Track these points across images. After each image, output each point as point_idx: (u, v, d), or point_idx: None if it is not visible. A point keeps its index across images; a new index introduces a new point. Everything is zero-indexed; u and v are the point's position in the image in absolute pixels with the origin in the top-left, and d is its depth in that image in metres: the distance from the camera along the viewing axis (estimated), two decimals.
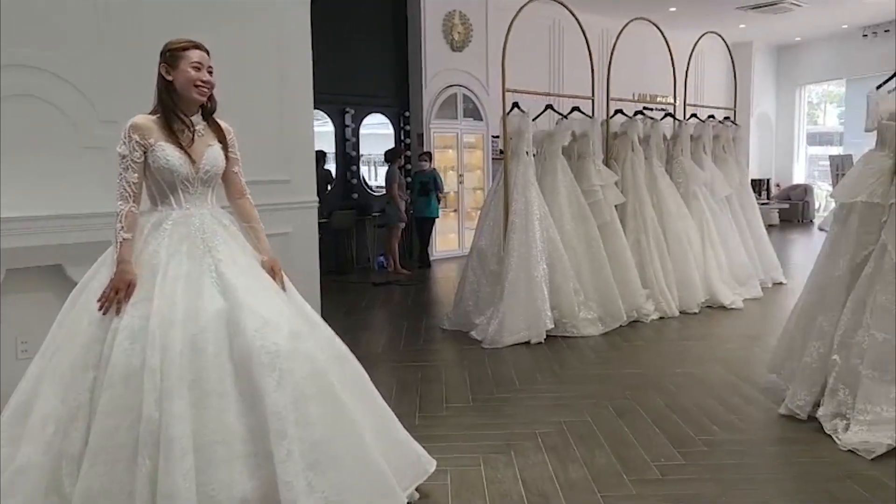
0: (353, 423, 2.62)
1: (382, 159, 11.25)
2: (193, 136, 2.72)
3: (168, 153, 2.64)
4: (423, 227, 10.08)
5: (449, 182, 10.94)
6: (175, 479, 2.28)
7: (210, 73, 2.73)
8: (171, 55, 2.68)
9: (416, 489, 2.98)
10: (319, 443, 2.49)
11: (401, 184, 9.63)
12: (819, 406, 3.86)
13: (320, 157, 9.59)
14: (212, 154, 2.76)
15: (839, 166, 13.52)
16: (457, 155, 11.04)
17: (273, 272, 2.84)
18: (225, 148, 2.83)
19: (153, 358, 2.38)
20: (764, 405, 4.20)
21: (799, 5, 12.55)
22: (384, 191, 10.78)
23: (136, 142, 2.61)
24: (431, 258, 10.38)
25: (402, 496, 2.71)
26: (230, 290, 2.58)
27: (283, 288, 2.85)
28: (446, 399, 4.41)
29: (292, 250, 4.89)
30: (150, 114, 2.71)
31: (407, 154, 10.55)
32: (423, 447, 3.33)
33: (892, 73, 4.02)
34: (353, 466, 2.56)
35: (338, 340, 2.94)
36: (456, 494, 3.11)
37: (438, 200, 9.98)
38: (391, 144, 10.88)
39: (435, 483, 3.12)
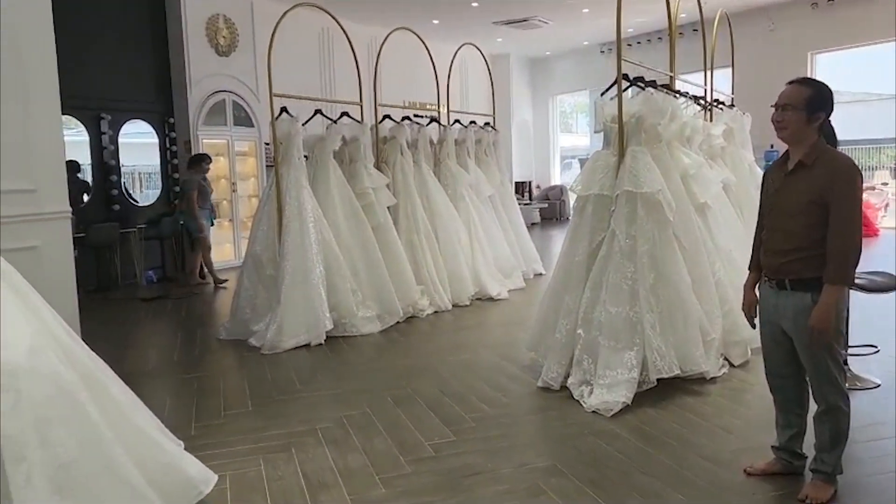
0: (106, 442, 2.50)
1: (148, 170, 10.65)
2: None
3: None
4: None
5: (222, 191, 10.59)
6: None
7: None
8: None
9: None
10: (67, 465, 2.35)
11: (203, 193, 9.03)
12: (569, 376, 4.35)
13: (73, 167, 8.84)
14: None
15: None
16: (229, 163, 10.72)
17: None
18: None
19: None
20: (525, 381, 4.64)
21: (546, 23, 13.83)
22: (152, 202, 10.25)
23: None
24: (204, 270, 9.97)
25: None
26: None
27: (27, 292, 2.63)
28: (224, 407, 4.32)
29: (43, 266, 4.48)
30: None
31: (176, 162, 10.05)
32: (201, 455, 3.28)
33: (613, 81, 4.62)
34: (107, 487, 2.45)
35: (92, 358, 2.80)
36: (236, 497, 3.09)
37: (211, 210, 9.65)
38: (157, 154, 10.31)
39: (214, 488, 3.07)
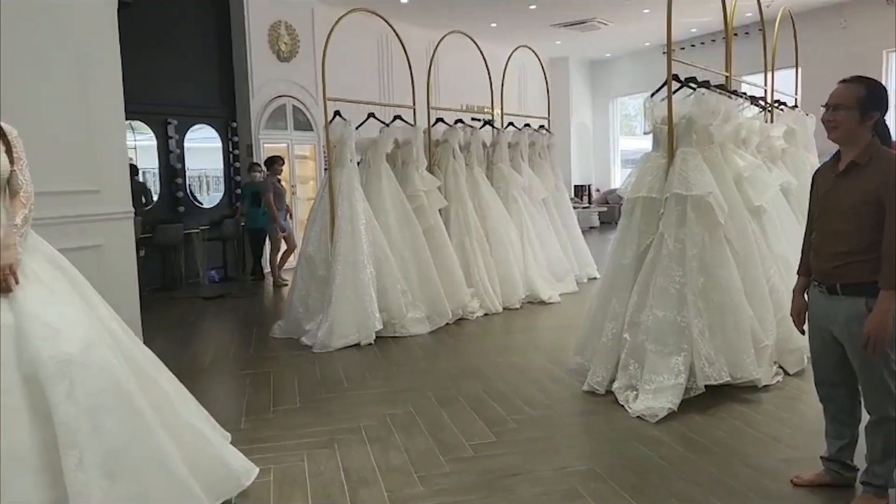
0: (152, 432, 2.60)
1: (212, 174, 10.97)
2: None
3: None
4: (256, 238, 9.92)
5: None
6: None
7: None
8: None
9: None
10: (116, 452, 2.45)
11: (278, 194, 9.33)
12: (615, 381, 4.29)
13: (132, 171, 9.17)
14: None
15: None
16: (289, 166, 10.96)
17: None
18: (9, 151, 2.69)
19: None
20: (570, 385, 4.60)
21: (606, 24, 13.67)
22: (215, 204, 10.58)
23: None
24: (266, 270, 10.24)
25: (204, 501, 2.71)
26: (17, 301, 2.47)
27: (83, 287, 2.74)
28: (274, 402, 4.43)
29: (106, 263, 4.71)
30: None
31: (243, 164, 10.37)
32: (248, 448, 3.38)
33: (663, 82, 4.55)
34: (153, 474, 2.54)
35: (143, 352, 2.91)
36: (278, 490, 3.18)
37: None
38: (220, 157, 10.64)
39: (258, 480, 3.16)
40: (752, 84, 7.00)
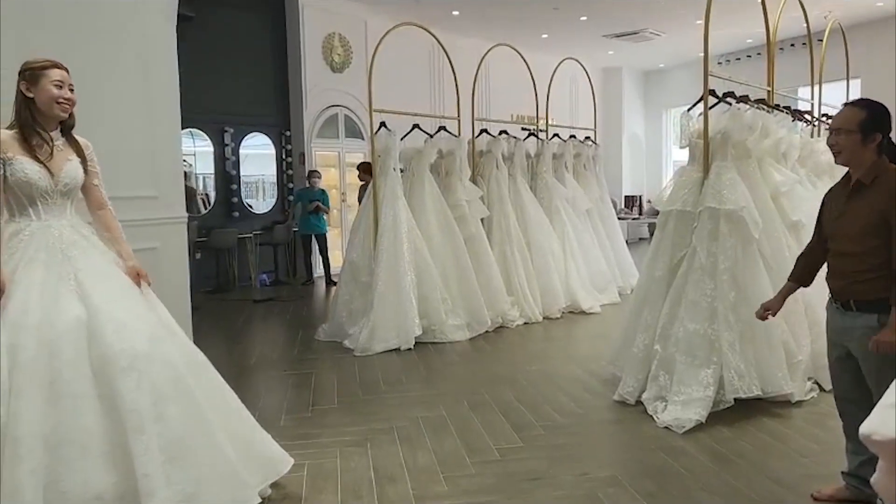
0: (208, 422, 2.82)
1: (265, 180, 11.32)
2: (52, 150, 2.82)
3: (27, 167, 2.73)
4: (307, 243, 10.20)
5: (332, 201, 11.13)
6: (19, 476, 2.40)
7: (71, 90, 2.86)
8: (31, 74, 2.78)
9: (272, 484, 3.19)
10: (177, 440, 2.67)
11: None
12: (645, 391, 4.35)
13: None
14: (71, 168, 2.86)
15: None
16: (339, 174, 11.27)
17: (138, 277, 2.97)
18: (84, 162, 2.94)
19: None
20: (602, 394, 4.67)
21: (658, 35, 13.60)
22: (268, 210, 10.93)
23: None
24: (317, 275, 10.50)
25: (252, 488, 2.91)
26: (89, 297, 2.71)
27: (144, 290, 2.97)
28: (313, 402, 4.63)
29: (161, 265, 4.96)
30: (7, 129, 2.80)
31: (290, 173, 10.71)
32: (286, 444, 3.56)
33: (698, 98, 4.60)
34: (207, 462, 2.75)
35: (194, 347, 3.13)
36: (311, 483, 3.35)
37: (325, 213, 10.17)
38: (273, 165, 10.99)
39: (292, 475, 3.33)
40: (804, 100, 6.93)
